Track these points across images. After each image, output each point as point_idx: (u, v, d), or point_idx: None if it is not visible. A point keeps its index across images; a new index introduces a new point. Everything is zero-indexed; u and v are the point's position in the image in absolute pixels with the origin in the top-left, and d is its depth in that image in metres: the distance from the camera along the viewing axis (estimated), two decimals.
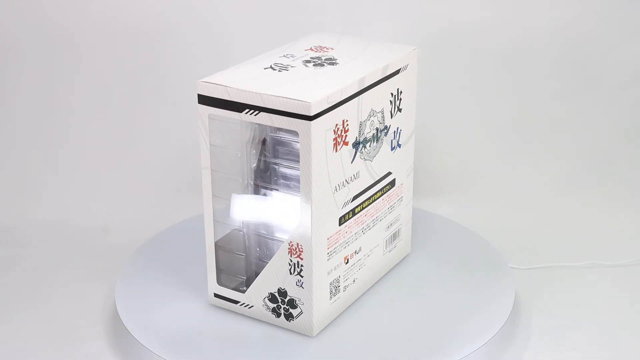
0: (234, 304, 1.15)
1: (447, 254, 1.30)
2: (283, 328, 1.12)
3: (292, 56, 1.13)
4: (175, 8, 1.55)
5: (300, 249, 1.07)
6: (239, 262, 1.16)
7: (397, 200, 1.23)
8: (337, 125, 1.05)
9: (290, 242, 1.07)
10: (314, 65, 1.11)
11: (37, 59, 1.56)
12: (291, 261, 1.08)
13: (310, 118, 1.00)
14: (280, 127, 1.03)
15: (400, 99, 1.18)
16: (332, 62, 1.12)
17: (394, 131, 1.18)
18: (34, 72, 1.56)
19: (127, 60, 1.57)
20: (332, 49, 1.17)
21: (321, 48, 1.17)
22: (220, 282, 1.15)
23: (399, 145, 1.20)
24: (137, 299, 1.19)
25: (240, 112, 1.04)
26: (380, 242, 1.21)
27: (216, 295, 1.16)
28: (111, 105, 1.57)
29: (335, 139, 1.05)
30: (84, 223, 1.47)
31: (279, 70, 1.09)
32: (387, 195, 1.20)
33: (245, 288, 1.14)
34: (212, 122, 1.08)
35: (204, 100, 1.06)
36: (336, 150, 1.06)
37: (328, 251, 1.09)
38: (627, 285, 1.30)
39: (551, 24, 1.56)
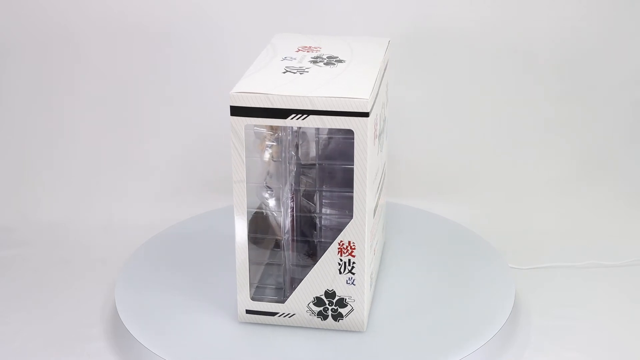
0: (271, 317, 1.12)
1: (447, 254, 1.30)
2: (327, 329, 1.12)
3: (294, 58, 1.13)
4: (174, 8, 1.55)
5: (353, 247, 1.07)
6: (269, 272, 1.15)
7: (384, 188, 1.26)
8: (374, 119, 1.06)
9: (341, 241, 1.07)
10: (324, 64, 1.11)
11: (37, 58, 1.55)
12: (341, 260, 1.08)
13: (367, 114, 1.01)
14: (332, 127, 1.02)
15: (387, 90, 1.21)
16: (338, 60, 1.13)
17: (384, 121, 1.20)
18: (34, 71, 1.56)
19: (127, 60, 1.57)
20: (320, 47, 1.17)
21: (310, 48, 1.17)
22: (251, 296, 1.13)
23: (386, 135, 1.23)
24: (137, 299, 1.19)
25: (285, 118, 1.03)
26: (380, 231, 1.23)
27: (248, 312, 1.13)
28: (111, 105, 1.57)
29: (374, 132, 1.06)
30: (84, 223, 1.47)
31: (300, 73, 1.08)
32: (383, 184, 1.22)
33: (283, 297, 1.13)
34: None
35: (238, 111, 1.03)
36: (374, 144, 1.07)
37: (370, 244, 1.10)
38: (627, 285, 1.30)
39: (551, 23, 1.56)
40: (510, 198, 1.53)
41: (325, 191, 1.12)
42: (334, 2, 1.55)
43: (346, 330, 1.12)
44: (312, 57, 1.13)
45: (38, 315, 1.23)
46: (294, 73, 1.08)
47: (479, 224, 1.42)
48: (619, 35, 1.56)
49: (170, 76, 1.57)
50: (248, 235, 1.10)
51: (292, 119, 1.02)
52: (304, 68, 1.10)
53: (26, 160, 1.55)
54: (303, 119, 1.02)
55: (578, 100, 1.58)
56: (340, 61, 1.12)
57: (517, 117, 1.59)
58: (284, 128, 1.08)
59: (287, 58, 1.13)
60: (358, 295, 1.09)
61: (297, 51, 1.16)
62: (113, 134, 1.57)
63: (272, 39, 1.22)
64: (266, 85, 1.04)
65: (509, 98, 1.59)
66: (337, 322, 1.11)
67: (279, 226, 1.14)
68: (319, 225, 1.13)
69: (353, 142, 1.03)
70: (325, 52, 1.15)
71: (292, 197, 1.12)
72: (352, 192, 1.05)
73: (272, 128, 1.09)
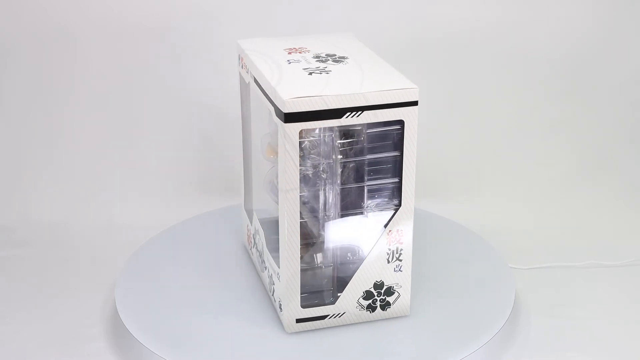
0: (320, 321, 1.11)
1: (447, 254, 1.30)
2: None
3: (298, 60, 1.12)
4: (175, 8, 1.55)
5: (401, 234, 1.09)
6: (317, 276, 1.14)
7: None
8: None
9: (390, 230, 1.08)
10: (332, 61, 1.11)
11: (37, 58, 1.55)
12: (389, 249, 1.09)
13: (416, 103, 1.03)
14: (384, 120, 1.04)
15: None
16: (341, 57, 1.13)
17: None
18: (34, 71, 1.56)
19: (127, 60, 1.57)
20: (307, 47, 1.17)
21: (298, 49, 1.16)
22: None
23: None
24: (137, 299, 1.19)
25: (341, 117, 1.03)
26: None
27: (299, 321, 1.11)
28: (111, 104, 1.57)
29: None
30: (84, 223, 1.47)
31: (327, 73, 1.07)
32: None
33: (332, 299, 1.12)
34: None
35: (292, 117, 1.01)
36: None
37: None
38: (627, 285, 1.30)
39: (551, 23, 1.56)
40: (510, 198, 1.53)
41: (370, 184, 1.11)
42: (334, 2, 1.55)
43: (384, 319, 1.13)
44: (314, 57, 1.13)
45: (38, 315, 1.23)
46: (320, 74, 1.07)
47: (479, 224, 1.42)
48: (619, 35, 1.56)
49: (170, 76, 1.57)
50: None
51: (347, 117, 1.03)
52: (321, 68, 1.09)
53: (26, 160, 1.55)
54: (357, 116, 1.03)
55: (578, 100, 1.58)
56: (344, 57, 1.12)
57: (517, 117, 1.59)
58: (330, 129, 1.07)
59: (292, 61, 1.12)
60: (404, 280, 1.11)
61: (290, 53, 1.15)
62: (113, 134, 1.57)
63: (243, 47, 1.19)
64: (311, 88, 1.03)
65: (510, 98, 1.59)
66: (384, 312, 1.12)
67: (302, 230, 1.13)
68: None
69: (378, 134, 1.05)
70: (320, 51, 1.15)
71: (339, 197, 1.11)
72: (381, 182, 1.08)
73: None
